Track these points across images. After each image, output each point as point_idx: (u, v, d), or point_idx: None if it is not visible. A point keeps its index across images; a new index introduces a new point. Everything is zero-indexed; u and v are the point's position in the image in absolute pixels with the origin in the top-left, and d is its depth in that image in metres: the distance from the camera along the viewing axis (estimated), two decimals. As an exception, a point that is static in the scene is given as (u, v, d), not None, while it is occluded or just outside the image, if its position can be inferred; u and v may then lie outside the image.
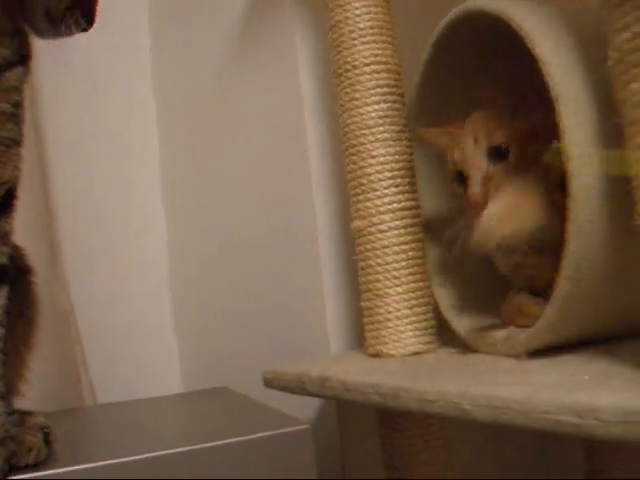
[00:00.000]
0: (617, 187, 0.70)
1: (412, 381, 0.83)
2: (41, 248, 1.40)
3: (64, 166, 1.51)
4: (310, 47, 1.27)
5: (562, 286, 0.77)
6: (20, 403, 0.98)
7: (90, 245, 1.56)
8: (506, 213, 0.82)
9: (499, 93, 0.93)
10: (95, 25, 0.98)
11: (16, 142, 0.91)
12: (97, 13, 0.98)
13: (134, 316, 1.59)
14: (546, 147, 0.81)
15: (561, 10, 0.86)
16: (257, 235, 1.41)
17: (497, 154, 0.89)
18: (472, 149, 0.91)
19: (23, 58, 0.92)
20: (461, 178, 0.92)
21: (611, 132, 0.70)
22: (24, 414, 0.90)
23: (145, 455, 0.84)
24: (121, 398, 1.40)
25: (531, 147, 0.88)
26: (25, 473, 0.80)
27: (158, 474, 0.82)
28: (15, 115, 0.90)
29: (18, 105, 0.90)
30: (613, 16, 0.64)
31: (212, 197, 1.56)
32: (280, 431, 0.87)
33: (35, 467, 0.81)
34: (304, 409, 1.24)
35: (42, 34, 0.96)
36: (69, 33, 0.96)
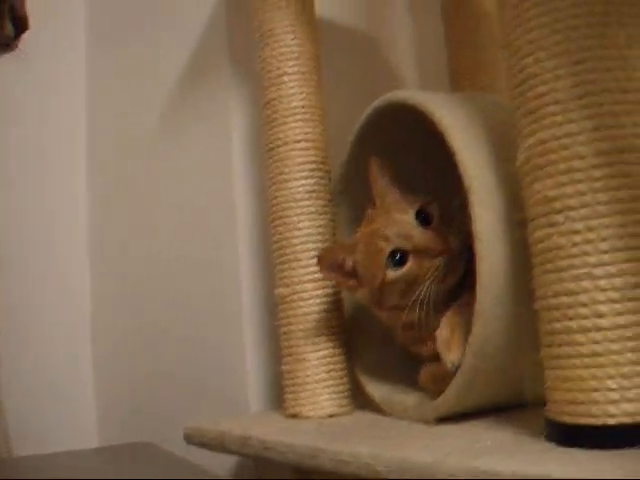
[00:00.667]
0: (520, 272, 0.78)
1: (328, 442, 0.88)
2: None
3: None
4: (243, 118, 1.34)
5: (468, 360, 0.84)
6: None
7: (14, 299, 1.57)
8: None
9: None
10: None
11: None
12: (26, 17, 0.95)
13: (52, 368, 1.59)
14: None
15: (477, 105, 0.95)
16: (182, 294, 1.45)
17: (423, 219, 0.97)
18: (404, 218, 0.97)
19: None
20: (396, 259, 0.96)
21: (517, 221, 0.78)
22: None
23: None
24: (36, 451, 1.39)
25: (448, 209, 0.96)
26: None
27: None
28: None
29: None
30: (521, 122, 0.73)
31: (138, 254, 1.59)
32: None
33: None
34: (224, 463, 1.28)
35: None
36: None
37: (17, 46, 1.01)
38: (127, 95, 1.65)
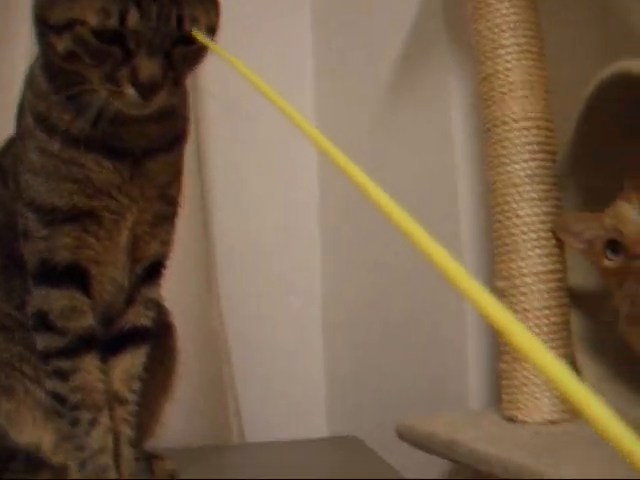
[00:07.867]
0: None
1: (535, 459, 0.80)
2: (198, 276, 1.45)
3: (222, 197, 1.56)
4: (463, 95, 1.24)
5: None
6: (156, 441, 1.02)
7: (246, 289, 1.60)
8: None
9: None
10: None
11: (164, 218, 0.92)
12: None
13: (285, 357, 1.61)
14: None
15: None
16: (404, 287, 1.40)
17: None
18: (623, 208, 0.87)
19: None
20: (613, 248, 0.87)
21: None
22: (153, 458, 0.94)
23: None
24: (268, 435, 1.43)
25: None
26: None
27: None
28: (164, 194, 0.91)
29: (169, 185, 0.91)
30: None
31: (365, 243, 1.55)
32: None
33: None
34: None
35: None
36: None
37: None
38: (351, 76, 1.62)
